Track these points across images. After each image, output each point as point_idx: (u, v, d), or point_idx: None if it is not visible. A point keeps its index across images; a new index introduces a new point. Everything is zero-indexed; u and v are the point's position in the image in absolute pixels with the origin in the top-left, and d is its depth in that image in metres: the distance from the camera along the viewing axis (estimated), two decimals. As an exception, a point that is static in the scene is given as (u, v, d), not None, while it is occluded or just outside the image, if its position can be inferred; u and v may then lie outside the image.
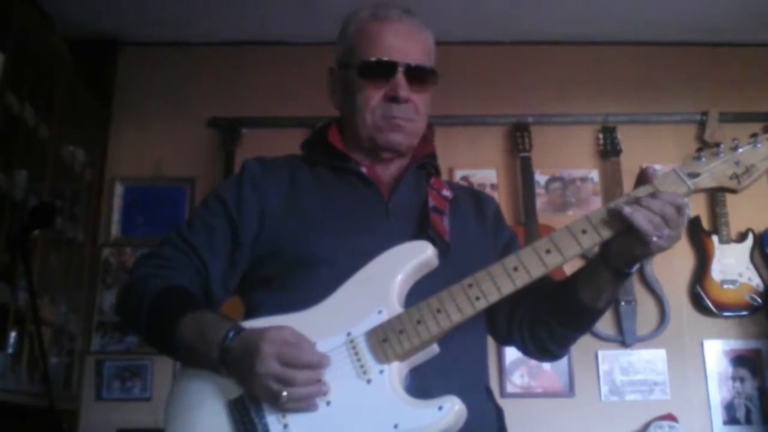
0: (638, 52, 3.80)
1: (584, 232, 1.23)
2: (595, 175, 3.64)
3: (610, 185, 3.54)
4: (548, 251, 1.23)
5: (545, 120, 3.69)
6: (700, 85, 3.75)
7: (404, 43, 1.41)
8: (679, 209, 1.19)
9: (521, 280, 1.22)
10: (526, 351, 1.47)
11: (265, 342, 1.14)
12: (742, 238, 3.48)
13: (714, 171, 1.25)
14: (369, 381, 1.18)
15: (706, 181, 1.25)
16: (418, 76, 1.40)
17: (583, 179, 3.64)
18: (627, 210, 1.19)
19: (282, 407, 1.15)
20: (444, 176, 1.60)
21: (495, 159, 3.66)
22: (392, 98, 1.38)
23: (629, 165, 3.59)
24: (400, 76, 1.38)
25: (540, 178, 3.62)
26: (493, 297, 1.22)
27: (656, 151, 3.66)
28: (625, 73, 3.78)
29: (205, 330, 1.22)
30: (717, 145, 1.27)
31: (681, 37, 3.76)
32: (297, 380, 1.13)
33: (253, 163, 1.46)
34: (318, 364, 1.16)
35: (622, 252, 1.25)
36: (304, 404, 1.16)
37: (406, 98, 1.39)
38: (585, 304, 1.32)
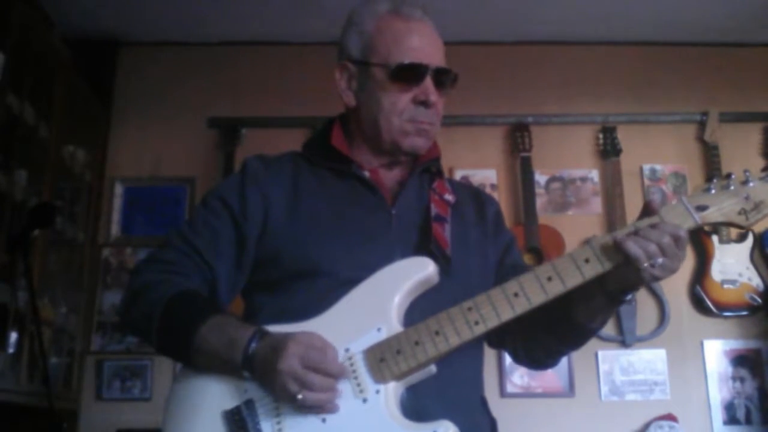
0: (638, 52, 3.80)
1: (587, 261, 1.22)
2: (595, 175, 3.64)
3: (610, 185, 3.54)
4: (550, 278, 1.21)
5: (545, 120, 3.69)
6: (700, 85, 3.75)
7: (430, 45, 1.40)
8: (678, 240, 1.18)
9: (521, 306, 1.21)
10: (517, 359, 1.48)
11: (293, 341, 1.14)
12: (742, 238, 3.47)
13: (723, 206, 1.24)
14: (365, 400, 1.17)
15: (714, 215, 1.24)
16: (443, 79, 1.40)
17: (583, 179, 3.64)
18: (620, 237, 1.19)
19: (297, 408, 1.16)
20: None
21: (495, 159, 3.66)
22: (422, 102, 1.37)
23: (629, 165, 3.60)
24: (429, 81, 1.37)
25: (540, 178, 3.62)
26: (492, 322, 1.21)
27: (656, 151, 3.67)
28: (625, 73, 3.78)
29: (228, 335, 1.21)
30: (728, 176, 1.26)
31: (681, 37, 3.76)
32: (315, 384, 1.13)
33: (255, 161, 1.43)
34: (335, 374, 1.16)
35: (618, 278, 1.24)
36: (317, 410, 1.16)
37: (435, 103, 1.38)
38: (578, 323, 1.32)
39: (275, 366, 1.13)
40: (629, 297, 1.28)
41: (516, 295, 1.21)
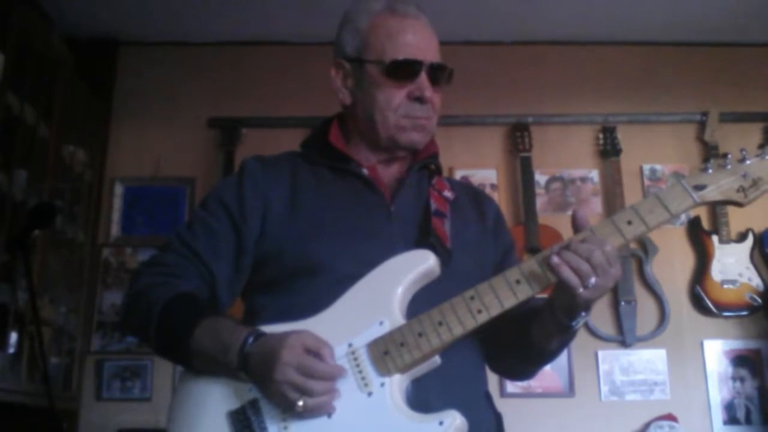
0: (638, 52, 3.80)
1: (583, 240, 1.20)
2: (595, 175, 3.64)
3: (610, 185, 3.54)
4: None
5: (545, 120, 3.69)
6: (700, 85, 3.75)
7: (425, 41, 1.40)
8: (607, 257, 1.16)
9: (523, 293, 1.20)
10: (493, 369, 1.47)
11: (285, 348, 1.13)
12: (742, 238, 3.47)
13: (721, 184, 1.24)
14: (370, 394, 1.17)
15: (712, 194, 1.24)
16: (438, 75, 1.40)
17: (583, 179, 3.64)
18: (555, 260, 1.16)
19: (297, 414, 1.15)
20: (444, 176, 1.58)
21: (495, 159, 3.66)
22: (417, 98, 1.37)
23: (629, 165, 3.60)
24: (424, 76, 1.37)
25: (540, 178, 3.62)
26: (495, 310, 1.20)
27: (656, 151, 3.67)
28: (625, 73, 3.78)
29: (223, 337, 1.20)
30: (725, 156, 1.26)
31: (681, 37, 3.76)
32: (315, 391, 1.13)
33: (253, 162, 1.43)
34: (333, 376, 1.15)
35: (560, 302, 1.23)
36: (318, 413, 1.15)
37: (430, 98, 1.38)
38: (535, 342, 1.31)
39: (271, 376, 1.13)
40: (575, 325, 1.24)
41: (518, 282, 1.21)
